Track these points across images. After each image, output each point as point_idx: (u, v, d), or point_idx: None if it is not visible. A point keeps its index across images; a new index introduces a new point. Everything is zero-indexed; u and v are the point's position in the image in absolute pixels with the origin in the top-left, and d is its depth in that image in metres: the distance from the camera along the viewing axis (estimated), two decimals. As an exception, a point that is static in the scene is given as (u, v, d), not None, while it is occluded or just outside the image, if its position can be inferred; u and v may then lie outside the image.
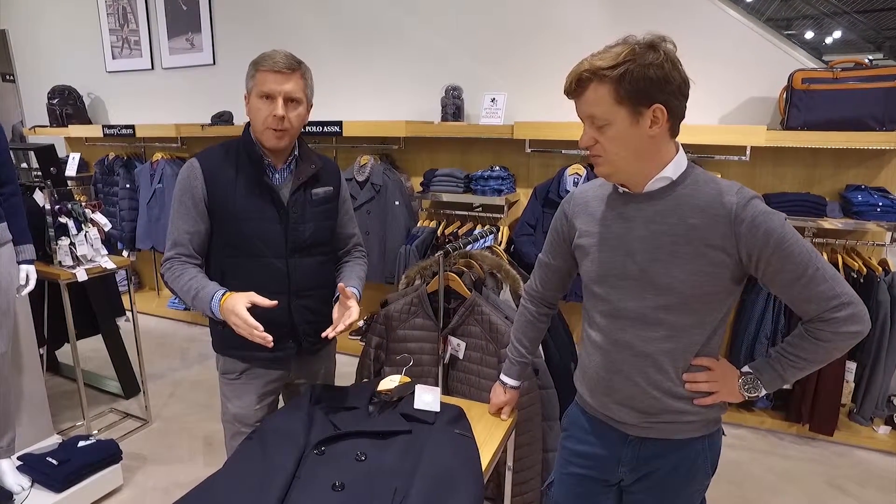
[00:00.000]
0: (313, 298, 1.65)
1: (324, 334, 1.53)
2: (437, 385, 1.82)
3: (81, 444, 2.31)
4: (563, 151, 3.28)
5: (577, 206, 1.30)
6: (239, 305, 1.41)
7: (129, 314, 3.12)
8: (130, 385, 3.21)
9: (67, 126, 4.91)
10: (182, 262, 1.56)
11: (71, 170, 4.91)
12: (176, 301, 4.64)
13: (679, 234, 1.12)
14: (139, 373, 3.04)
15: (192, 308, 1.56)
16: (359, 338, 3.94)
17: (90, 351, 3.40)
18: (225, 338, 1.67)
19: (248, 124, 1.59)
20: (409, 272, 1.98)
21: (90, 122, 5.11)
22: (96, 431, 2.86)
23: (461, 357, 1.81)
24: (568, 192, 3.24)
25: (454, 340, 1.81)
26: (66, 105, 4.99)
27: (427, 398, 1.50)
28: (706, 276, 1.11)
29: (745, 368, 1.21)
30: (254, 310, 1.60)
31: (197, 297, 1.51)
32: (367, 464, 1.26)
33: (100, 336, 3.12)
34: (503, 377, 1.56)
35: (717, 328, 1.18)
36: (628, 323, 1.19)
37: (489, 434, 1.48)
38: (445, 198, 3.44)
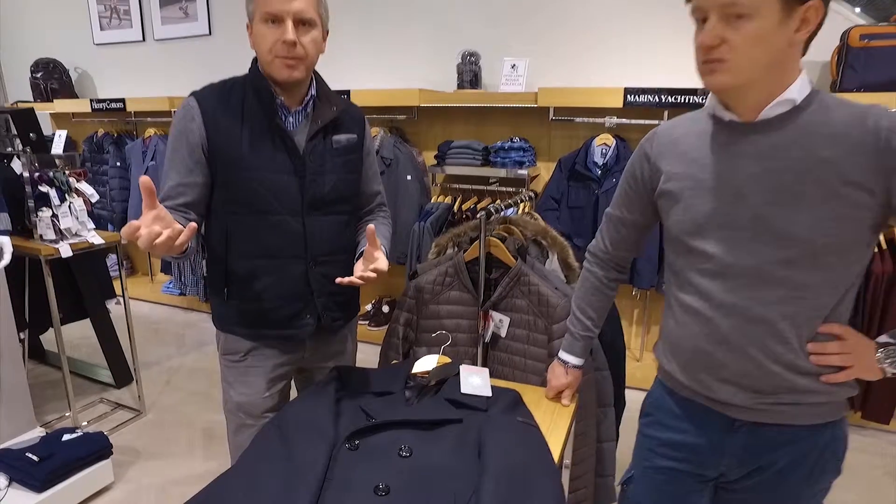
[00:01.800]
0: (334, 265, 1.40)
1: (342, 280, 1.25)
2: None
3: (66, 437, 2.07)
4: (586, 120, 3.03)
5: (663, 146, 1.06)
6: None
7: (120, 298, 2.87)
8: (122, 373, 2.97)
9: (52, 101, 4.60)
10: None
11: (57, 148, 4.59)
12: (171, 286, 4.38)
13: (805, 171, 0.88)
14: (132, 360, 2.79)
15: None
16: (367, 322, 3.69)
17: (78, 337, 3.17)
18: (228, 311, 1.42)
19: (256, 59, 1.34)
20: (439, 240, 1.74)
21: (77, 98, 4.80)
22: (85, 423, 2.63)
23: (503, 335, 1.57)
24: (596, 163, 3.01)
25: (497, 316, 1.57)
26: (51, 79, 4.69)
27: (475, 381, 1.26)
28: (841, 223, 0.88)
29: (884, 338, 0.98)
30: (266, 279, 1.36)
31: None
32: (414, 460, 1.02)
33: (88, 321, 2.86)
34: (564, 355, 1.32)
35: (849, 289, 0.95)
36: (740, 282, 0.96)
37: (552, 422, 1.24)
38: (462, 171, 3.20)
